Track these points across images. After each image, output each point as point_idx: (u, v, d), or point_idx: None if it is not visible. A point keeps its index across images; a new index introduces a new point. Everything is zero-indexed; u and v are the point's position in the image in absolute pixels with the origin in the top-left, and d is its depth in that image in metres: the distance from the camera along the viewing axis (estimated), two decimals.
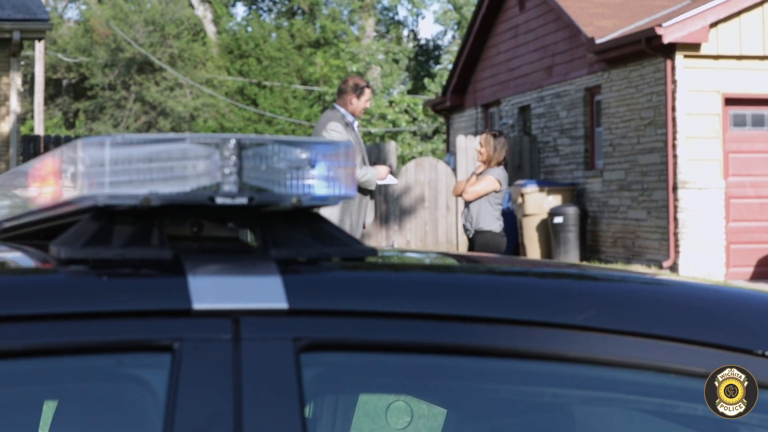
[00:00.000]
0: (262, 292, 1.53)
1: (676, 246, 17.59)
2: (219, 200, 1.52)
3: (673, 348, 1.63)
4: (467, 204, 10.44)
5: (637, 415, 1.77)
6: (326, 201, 1.58)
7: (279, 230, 1.61)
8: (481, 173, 10.51)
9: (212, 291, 1.52)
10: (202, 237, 1.67)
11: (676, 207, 17.54)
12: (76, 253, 1.53)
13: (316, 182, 1.57)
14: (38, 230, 1.91)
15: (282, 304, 1.52)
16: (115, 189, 1.49)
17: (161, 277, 1.54)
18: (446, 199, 21.47)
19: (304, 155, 1.56)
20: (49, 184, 1.64)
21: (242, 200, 1.52)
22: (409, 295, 1.63)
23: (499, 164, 10.46)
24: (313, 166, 1.57)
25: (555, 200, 19.98)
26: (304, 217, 1.64)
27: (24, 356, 1.48)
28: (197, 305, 1.50)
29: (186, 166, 1.50)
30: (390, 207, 21.54)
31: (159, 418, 1.45)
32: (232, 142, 1.52)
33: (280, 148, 1.55)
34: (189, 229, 1.66)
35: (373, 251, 1.66)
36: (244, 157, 1.52)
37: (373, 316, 1.57)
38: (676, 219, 17.56)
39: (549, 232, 19.76)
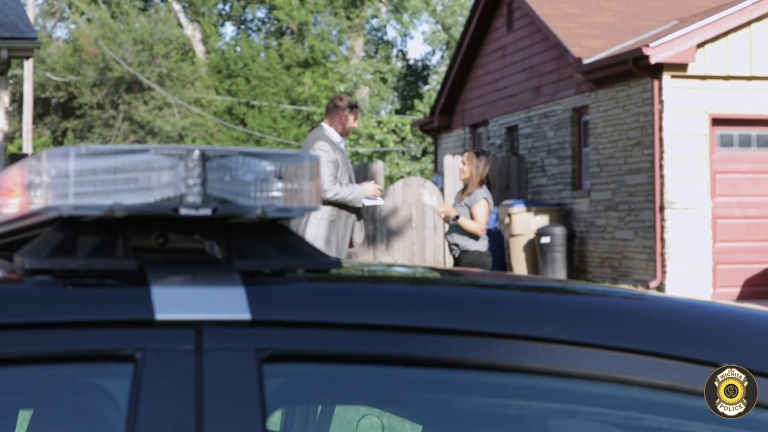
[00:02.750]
0: (225, 302, 1.53)
1: (663, 266, 17.60)
2: (183, 211, 1.52)
3: (638, 361, 1.63)
4: (451, 223, 10.39)
5: (602, 428, 1.77)
6: (290, 213, 1.58)
7: (244, 242, 1.61)
8: (466, 193, 10.43)
9: (175, 301, 1.52)
10: (168, 248, 1.67)
11: (663, 227, 17.56)
12: (41, 263, 1.53)
13: (281, 194, 1.57)
14: (6, 242, 1.90)
15: (245, 315, 1.52)
16: (79, 200, 1.49)
17: (125, 288, 1.55)
18: (434, 219, 21.47)
19: (269, 167, 1.56)
20: (15, 195, 1.65)
21: (206, 211, 1.52)
22: (374, 306, 1.63)
23: (481, 183, 10.41)
24: (278, 178, 1.57)
25: (542, 220, 20.00)
26: (269, 228, 1.64)
27: None
28: (160, 315, 1.50)
29: (150, 177, 1.50)
30: (377, 227, 21.54)
31: (121, 428, 1.45)
32: (196, 153, 1.52)
33: (245, 160, 1.55)
34: (155, 241, 1.66)
35: (338, 263, 1.66)
36: (209, 168, 1.52)
37: (337, 327, 1.57)
38: (663, 239, 17.57)
39: (536, 252, 19.77)
